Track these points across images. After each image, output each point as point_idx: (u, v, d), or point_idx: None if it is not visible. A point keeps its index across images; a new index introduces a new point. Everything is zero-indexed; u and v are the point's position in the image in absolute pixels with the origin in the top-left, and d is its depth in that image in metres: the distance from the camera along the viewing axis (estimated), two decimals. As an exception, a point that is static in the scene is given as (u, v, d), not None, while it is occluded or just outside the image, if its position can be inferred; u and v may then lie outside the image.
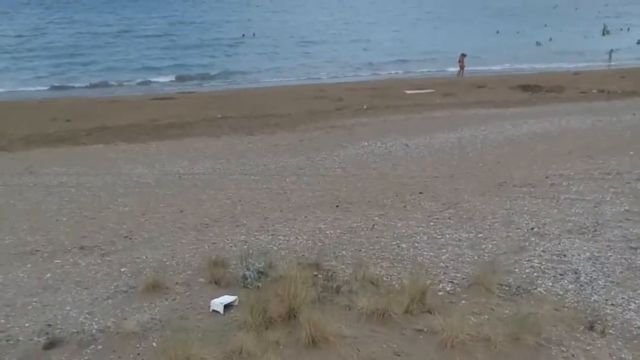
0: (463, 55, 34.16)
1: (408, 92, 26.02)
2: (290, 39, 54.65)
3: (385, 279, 8.12)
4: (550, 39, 52.29)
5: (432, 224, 10.57)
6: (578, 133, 17.86)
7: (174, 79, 35.69)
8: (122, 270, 8.76)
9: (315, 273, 8.26)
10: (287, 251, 9.34)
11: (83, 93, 31.21)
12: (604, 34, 57.53)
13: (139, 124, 21.35)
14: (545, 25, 65.20)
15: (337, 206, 12.04)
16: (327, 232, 10.27)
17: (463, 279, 8.10)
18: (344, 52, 44.69)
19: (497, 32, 60.16)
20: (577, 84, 27.52)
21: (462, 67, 34.20)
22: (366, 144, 17.16)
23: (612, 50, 41.76)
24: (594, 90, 25.70)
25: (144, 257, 9.24)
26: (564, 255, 8.93)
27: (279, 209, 11.79)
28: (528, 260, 8.79)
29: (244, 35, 57.79)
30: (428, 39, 52.29)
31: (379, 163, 15.20)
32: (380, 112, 22.31)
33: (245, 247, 9.30)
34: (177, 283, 8.16)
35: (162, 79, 35.38)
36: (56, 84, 33.56)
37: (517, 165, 14.58)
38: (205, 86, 33.37)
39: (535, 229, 10.16)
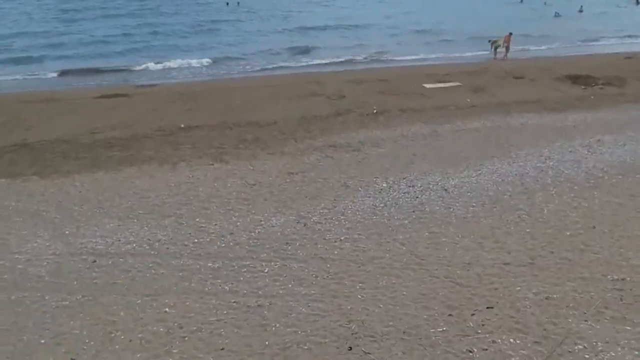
0: (510, 34, 28.45)
1: (427, 86, 20.37)
2: (281, 12, 48.01)
3: None
4: (581, 10, 46.15)
5: None
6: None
7: (128, 65, 29.09)
8: None
9: None
10: None
11: (8, 86, 25.32)
12: (638, 3, 51.48)
13: (71, 138, 15.77)
14: None
15: (350, 349, 6.69)
16: None
17: None
18: (344, 32, 38.01)
19: (521, 1, 53.62)
20: (639, 72, 21.83)
21: (507, 48, 28.57)
22: (384, 184, 11.69)
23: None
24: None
25: None
26: None
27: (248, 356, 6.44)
28: None
29: (227, 4, 51.17)
30: (433, 12, 45.55)
31: (407, 228, 9.74)
32: (396, 119, 16.71)
33: None
34: None
35: (113, 64, 28.88)
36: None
37: (627, 232, 9.22)
38: (169, 77, 27.19)
39: None
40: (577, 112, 16.90)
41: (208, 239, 9.61)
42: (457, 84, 20.65)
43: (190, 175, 12.75)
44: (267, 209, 10.72)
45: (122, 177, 12.88)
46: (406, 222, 10.01)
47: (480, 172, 12.21)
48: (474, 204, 10.61)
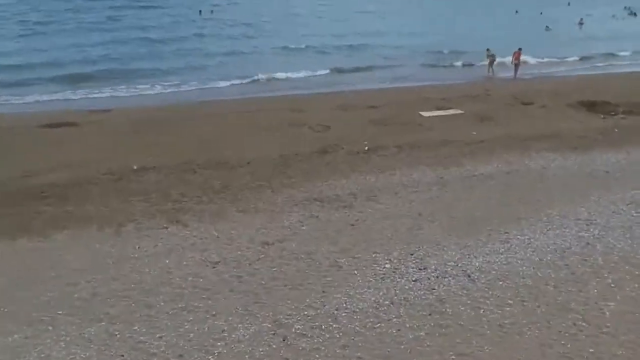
0: (519, 50, 25.91)
1: (425, 114, 17.73)
2: (261, 21, 44.76)
3: None
4: (581, 23, 43.88)
5: None
6: None
7: (83, 87, 25.01)
8: None
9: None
10: None
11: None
12: (635, 15, 49.56)
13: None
14: (569, 4, 57.24)
15: None
16: None
17: None
18: (330, 49, 34.34)
19: (516, 12, 51.13)
20: (659, 97, 19.44)
21: (517, 65, 26.01)
22: (387, 264, 9.00)
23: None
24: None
25: None
26: None
27: None
28: None
29: (200, 12, 48.03)
30: (423, 25, 42.45)
31: (425, 345, 7.12)
32: (392, 160, 14.04)
33: None
34: None
35: (65, 86, 25.07)
36: None
37: None
38: (128, 101, 23.30)
39: None
40: (604, 151, 14.38)
41: (146, 370, 6.74)
42: (459, 111, 18.05)
43: (137, 247, 9.87)
44: (232, 309, 7.90)
45: (49, 248, 9.99)
46: (422, 334, 7.27)
47: (508, 244, 9.52)
48: (510, 302, 7.91)
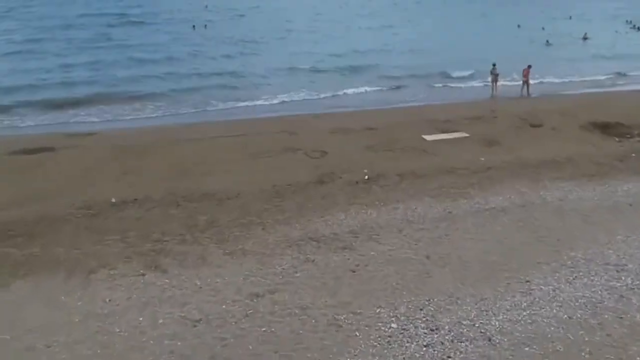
0: (529, 67, 24.76)
1: (428, 138, 16.58)
2: (257, 39, 43.55)
3: None
4: (585, 38, 42.86)
5: None
6: None
7: (63, 111, 23.20)
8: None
9: None
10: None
11: None
12: (638, 29, 48.66)
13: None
14: (570, 18, 56.42)
15: None
16: None
17: None
18: (326, 68, 32.72)
19: (519, 26, 49.92)
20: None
21: (526, 83, 24.84)
22: (394, 324, 8.05)
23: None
24: None
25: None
26: None
27: None
28: None
29: (194, 27, 47.08)
30: (420, 44, 41.08)
31: None
32: (395, 191, 12.92)
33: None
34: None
35: (45, 112, 23.07)
36: None
37: None
38: (111, 124, 21.60)
39: None
40: (624, 180, 13.27)
41: None
42: (464, 134, 16.94)
43: (107, 300, 8.66)
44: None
45: (6, 301, 8.74)
46: None
47: (531, 296, 8.34)
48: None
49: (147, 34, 44.69)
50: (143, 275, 9.42)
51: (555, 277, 8.89)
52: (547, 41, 41.63)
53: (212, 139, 17.20)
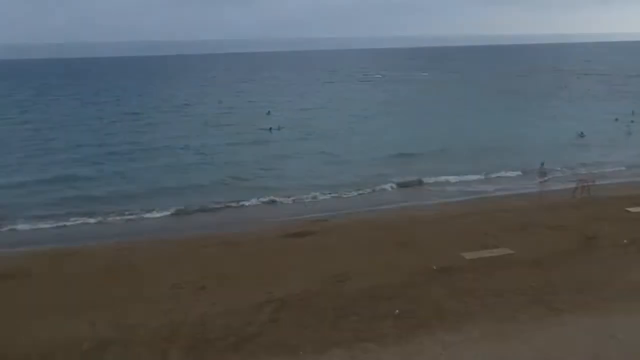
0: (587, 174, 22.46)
1: (467, 255, 14.00)
2: (271, 132, 41.94)
3: None
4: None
5: None
6: None
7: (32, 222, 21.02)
8: None
9: None
10: None
11: None
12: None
13: None
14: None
15: None
16: None
17: None
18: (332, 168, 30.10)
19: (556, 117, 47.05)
20: None
21: (585, 187, 22.02)
22: None
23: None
24: None
25: None
26: None
27: None
28: None
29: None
30: (441, 135, 38.99)
31: None
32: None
33: None
34: None
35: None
36: None
37: None
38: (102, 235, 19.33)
39: None
40: None
41: None
42: (507, 251, 14.29)
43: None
44: None
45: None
46: None
47: None
48: None
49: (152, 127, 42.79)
50: None
51: None
52: (582, 133, 39.40)
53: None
